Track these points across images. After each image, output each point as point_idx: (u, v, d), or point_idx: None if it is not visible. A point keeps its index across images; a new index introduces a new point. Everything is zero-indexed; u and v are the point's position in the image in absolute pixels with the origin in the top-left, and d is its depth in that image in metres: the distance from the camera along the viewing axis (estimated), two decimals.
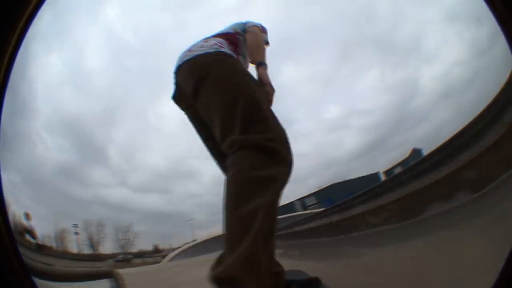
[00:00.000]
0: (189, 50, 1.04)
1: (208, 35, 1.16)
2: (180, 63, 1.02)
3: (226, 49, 1.04)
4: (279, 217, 0.84)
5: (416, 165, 1.72)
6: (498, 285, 0.55)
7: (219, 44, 1.04)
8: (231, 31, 1.21)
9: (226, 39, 1.10)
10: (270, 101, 1.05)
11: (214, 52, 0.99)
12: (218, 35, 1.15)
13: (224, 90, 0.90)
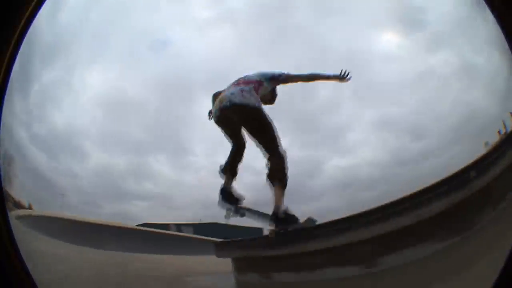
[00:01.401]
0: (242, 94, 1.70)
1: (246, 76, 1.81)
2: (228, 106, 1.68)
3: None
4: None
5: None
6: (498, 285, 0.55)
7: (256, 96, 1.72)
8: (258, 79, 1.81)
9: (254, 87, 1.76)
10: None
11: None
12: (252, 81, 1.77)
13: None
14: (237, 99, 1.65)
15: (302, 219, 1.61)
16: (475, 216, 1.24)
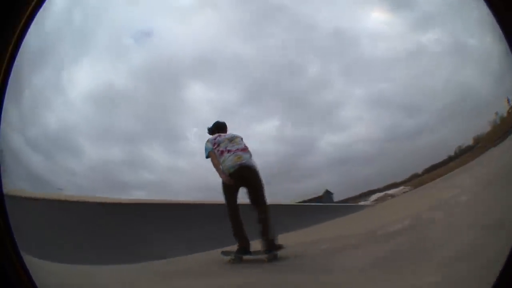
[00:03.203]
0: (250, 157, 2.22)
1: (241, 141, 2.23)
2: (248, 165, 2.21)
3: None
4: None
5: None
6: (498, 285, 0.55)
7: None
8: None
9: None
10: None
11: None
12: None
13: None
14: (251, 163, 2.23)
15: (320, 192, 1.94)
16: None
